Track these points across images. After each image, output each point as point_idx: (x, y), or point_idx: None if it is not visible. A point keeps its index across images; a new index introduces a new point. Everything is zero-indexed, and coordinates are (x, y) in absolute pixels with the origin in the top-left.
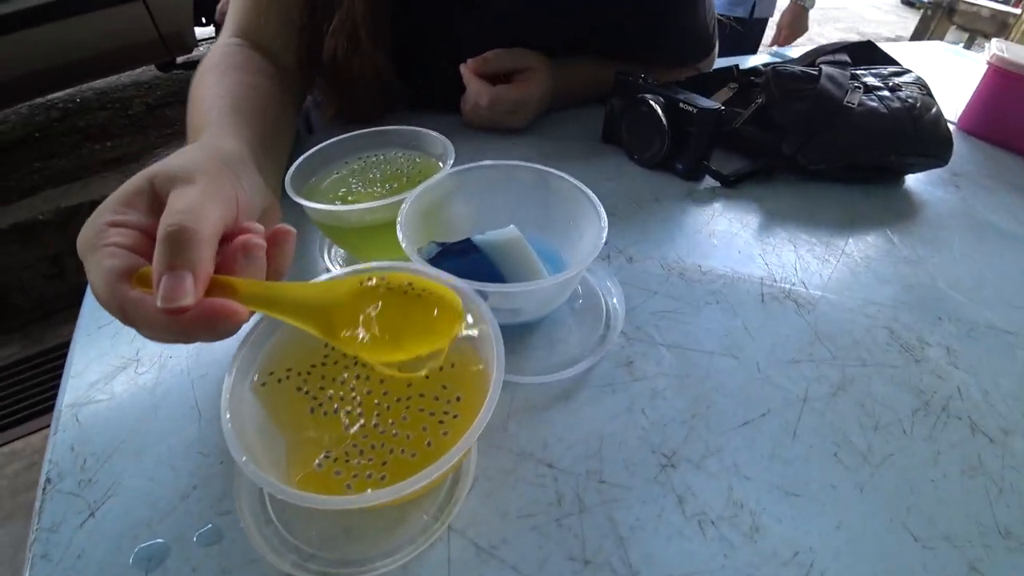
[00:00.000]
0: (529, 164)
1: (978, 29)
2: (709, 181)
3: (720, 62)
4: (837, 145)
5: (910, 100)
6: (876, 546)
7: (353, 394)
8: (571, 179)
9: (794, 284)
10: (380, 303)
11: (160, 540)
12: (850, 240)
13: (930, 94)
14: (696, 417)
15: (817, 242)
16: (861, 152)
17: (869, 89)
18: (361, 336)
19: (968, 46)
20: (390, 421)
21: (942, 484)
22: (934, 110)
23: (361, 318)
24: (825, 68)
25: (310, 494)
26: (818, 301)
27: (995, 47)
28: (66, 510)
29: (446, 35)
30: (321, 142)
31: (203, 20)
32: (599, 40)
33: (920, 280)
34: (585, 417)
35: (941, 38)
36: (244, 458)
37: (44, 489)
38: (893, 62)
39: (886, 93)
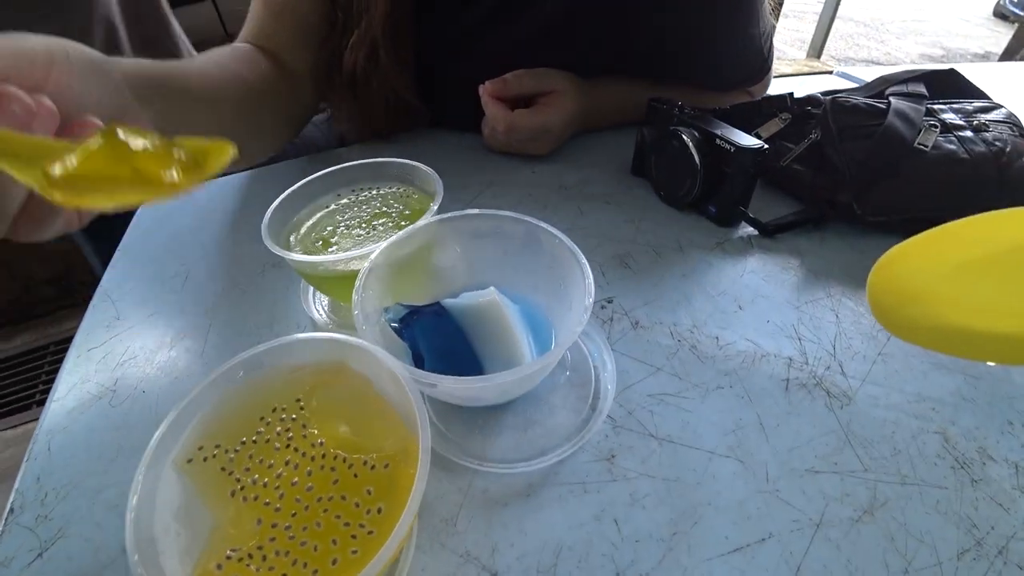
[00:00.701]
0: (518, 216)
1: None
2: (745, 228)
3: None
4: (904, 194)
5: (998, 143)
6: None
7: (278, 483)
8: (563, 237)
9: (829, 368)
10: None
11: None
12: None
13: (1020, 129)
14: (677, 536)
15: (866, 312)
16: (933, 204)
17: (948, 128)
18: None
19: None
20: (302, 526)
21: None
22: None
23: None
24: (895, 101)
25: None
26: (857, 392)
27: None
28: (20, 545)
29: (470, 53)
30: (315, 172)
31: None
32: (636, 60)
33: (991, 371)
34: (546, 521)
35: None
36: (135, 557)
37: (6, 519)
38: (982, 95)
39: (968, 134)
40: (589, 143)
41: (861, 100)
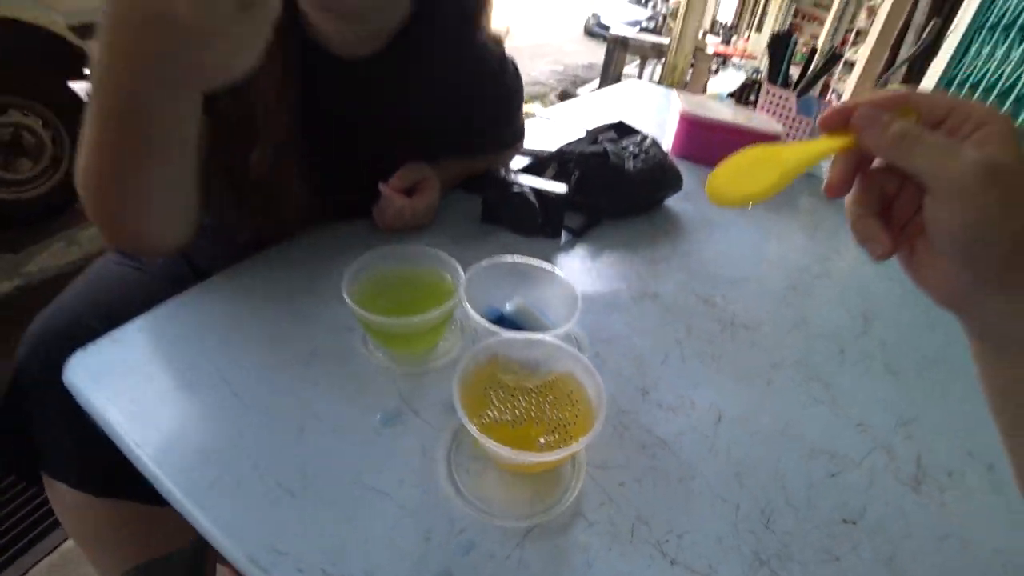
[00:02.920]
0: (525, 259)
1: (645, 55)
2: (566, 235)
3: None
4: (625, 195)
5: (656, 157)
6: None
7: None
8: (552, 268)
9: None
10: None
11: None
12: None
13: (659, 145)
14: None
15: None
16: (640, 196)
17: (632, 155)
18: None
19: (641, 66)
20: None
21: None
22: (666, 159)
23: None
24: (608, 147)
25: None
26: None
27: (682, 101)
28: None
29: (352, 157)
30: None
31: None
32: (457, 146)
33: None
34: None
35: (624, 61)
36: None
37: None
38: (635, 131)
39: (641, 155)
40: (443, 207)
41: (591, 150)
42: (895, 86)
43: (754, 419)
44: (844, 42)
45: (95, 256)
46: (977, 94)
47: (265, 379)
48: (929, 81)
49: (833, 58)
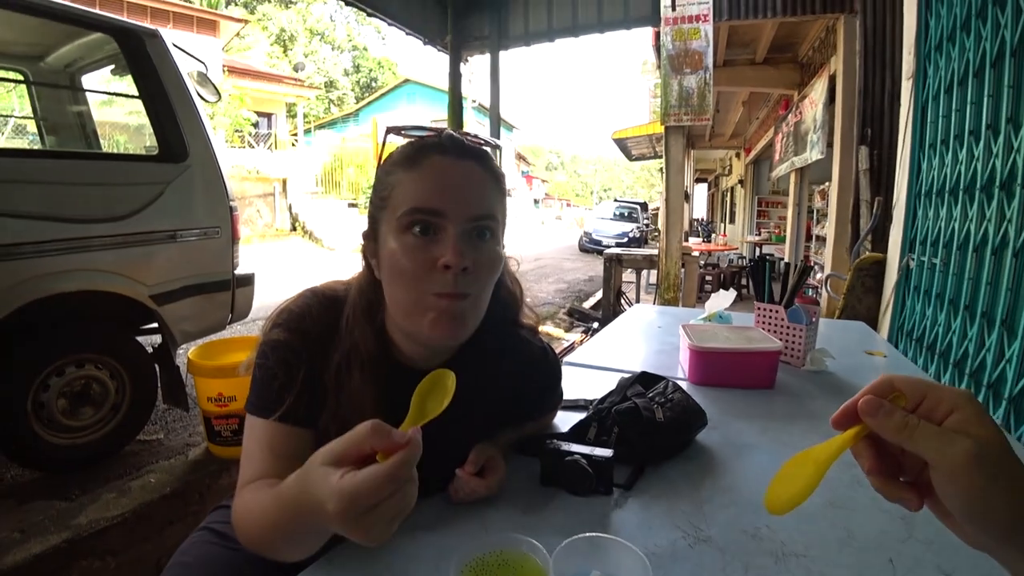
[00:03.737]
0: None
1: (639, 267)
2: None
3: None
4: (661, 442)
5: (681, 402)
6: None
7: None
8: (624, 541)
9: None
10: None
11: None
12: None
13: (681, 390)
14: None
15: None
16: (674, 441)
17: (660, 404)
18: None
19: (637, 276)
20: None
21: None
22: (689, 400)
23: None
24: (638, 401)
25: None
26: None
27: (689, 336)
28: None
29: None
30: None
31: None
32: (511, 420)
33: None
34: None
35: (621, 274)
36: None
37: None
38: (658, 378)
39: (668, 404)
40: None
41: (624, 407)
42: (867, 255)
43: None
44: (808, 226)
45: (146, 506)
46: (929, 247)
47: None
48: (893, 245)
49: (806, 270)
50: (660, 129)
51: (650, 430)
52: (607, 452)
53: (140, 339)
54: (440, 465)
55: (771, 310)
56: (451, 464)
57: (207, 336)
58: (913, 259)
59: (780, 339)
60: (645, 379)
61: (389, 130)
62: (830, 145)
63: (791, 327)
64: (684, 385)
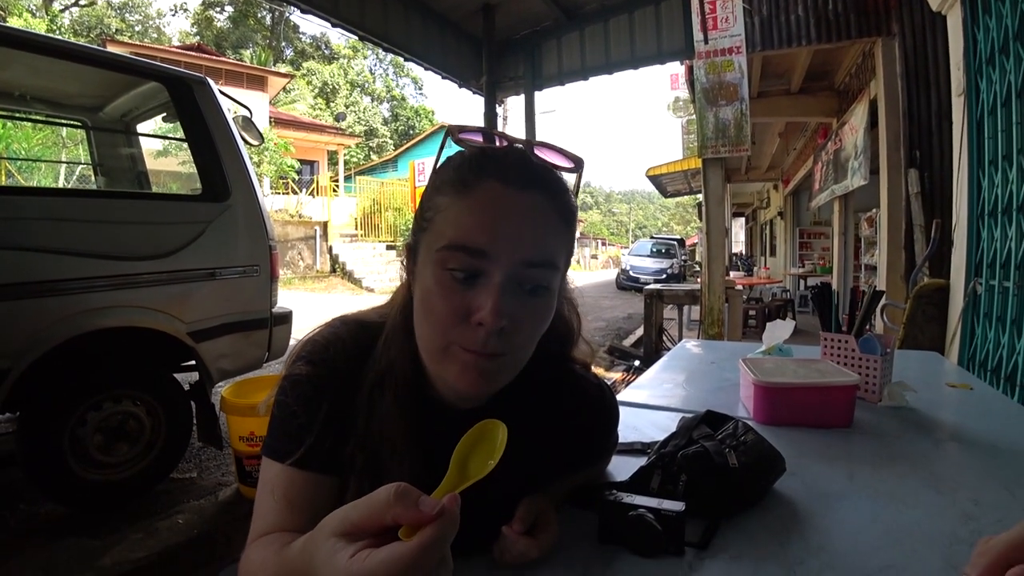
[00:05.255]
0: None
1: (681, 302)
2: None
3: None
4: (736, 492)
5: (756, 445)
6: None
7: None
8: None
9: None
10: None
11: None
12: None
13: (753, 431)
14: None
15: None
16: (750, 490)
17: (731, 447)
18: None
19: (679, 312)
20: None
21: None
22: (765, 443)
23: None
24: (708, 444)
25: None
26: None
27: (751, 371)
28: None
29: (466, 504)
30: None
31: None
32: (562, 468)
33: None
34: None
35: (662, 310)
36: None
37: None
38: (726, 418)
39: (741, 447)
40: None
41: (691, 450)
42: (928, 281)
43: None
44: (857, 253)
45: (172, 548)
46: (999, 269)
47: None
48: (956, 270)
49: (876, 295)
50: (694, 164)
51: (723, 479)
52: (678, 505)
53: (178, 376)
54: (482, 522)
55: (840, 340)
56: (495, 521)
57: (244, 374)
58: (981, 283)
59: (853, 372)
60: (711, 419)
61: (450, 131)
62: (875, 172)
63: (864, 358)
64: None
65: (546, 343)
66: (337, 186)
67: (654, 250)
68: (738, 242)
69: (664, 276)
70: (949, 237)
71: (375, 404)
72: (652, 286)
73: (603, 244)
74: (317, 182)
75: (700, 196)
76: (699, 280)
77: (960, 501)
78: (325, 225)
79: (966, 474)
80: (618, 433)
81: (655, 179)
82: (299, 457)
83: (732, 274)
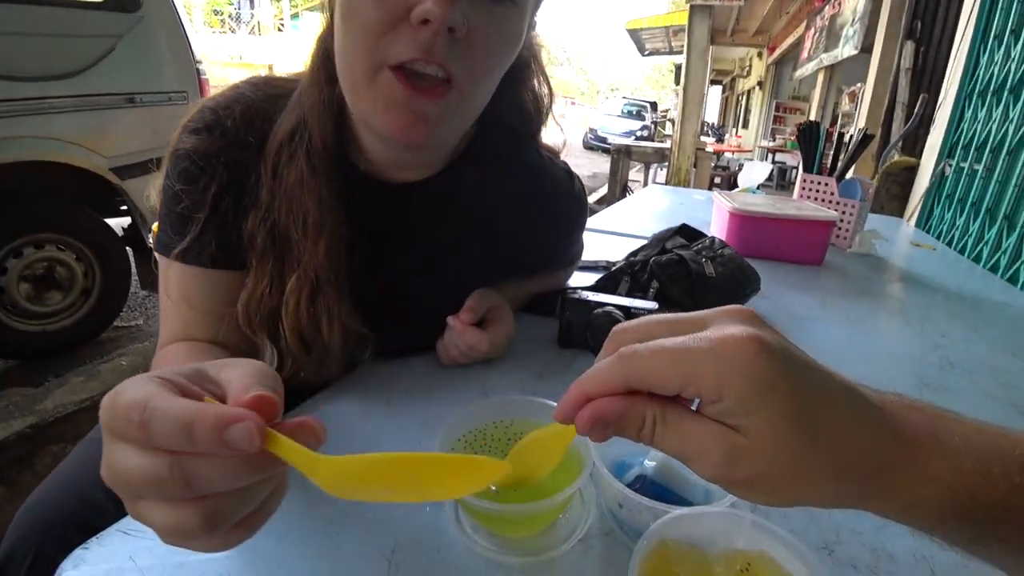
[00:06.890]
0: None
1: (648, 161)
2: None
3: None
4: (710, 302)
5: (735, 259)
6: None
7: None
8: None
9: None
10: None
11: None
12: None
13: (730, 247)
14: None
15: None
16: (724, 301)
17: (709, 259)
18: None
19: (645, 171)
20: None
21: None
22: (741, 258)
23: None
24: (684, 253)
25: None
26: None
27: (726, 201)
28: None
29: (407, 293)
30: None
31: None
32: (516, 268)
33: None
34: None
35: (628, 168)
36: None
37: None
38: (701, 233)
39: (719, 258)
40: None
41: (664, 258)
42: (898, 159)
43: None
44: (832, 125)
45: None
46: (973, 151)
47: None
48: (929, 150)
49: (865, 139)
50: (678, 20)
51: (699, 287)
52: (651, 304)
53: (113, 222)
54: (426, 315)
55: (820, 183)
56: (441, 313)
57: None
58: (951, 164)
59: None
60: (686, 233)
61: None
62: (866, 50)
63: (843, 203)
64: None
65: (508, 117)
66: (282, 25)
67: (624, 111)
68: (711, 112)
69: (632, 138)
70: (931, 116)
71: (282, 171)
72: (620, 141)
73: (572, 104)
74: (259, 21)
75: (679, 58)
76: (669, 139)
77: (928, 333)
78: (271, 68)
79: (933, 312)
80: (582, 246)
81: (634, 33)
82: (185, 248)
83: (703, 139)
